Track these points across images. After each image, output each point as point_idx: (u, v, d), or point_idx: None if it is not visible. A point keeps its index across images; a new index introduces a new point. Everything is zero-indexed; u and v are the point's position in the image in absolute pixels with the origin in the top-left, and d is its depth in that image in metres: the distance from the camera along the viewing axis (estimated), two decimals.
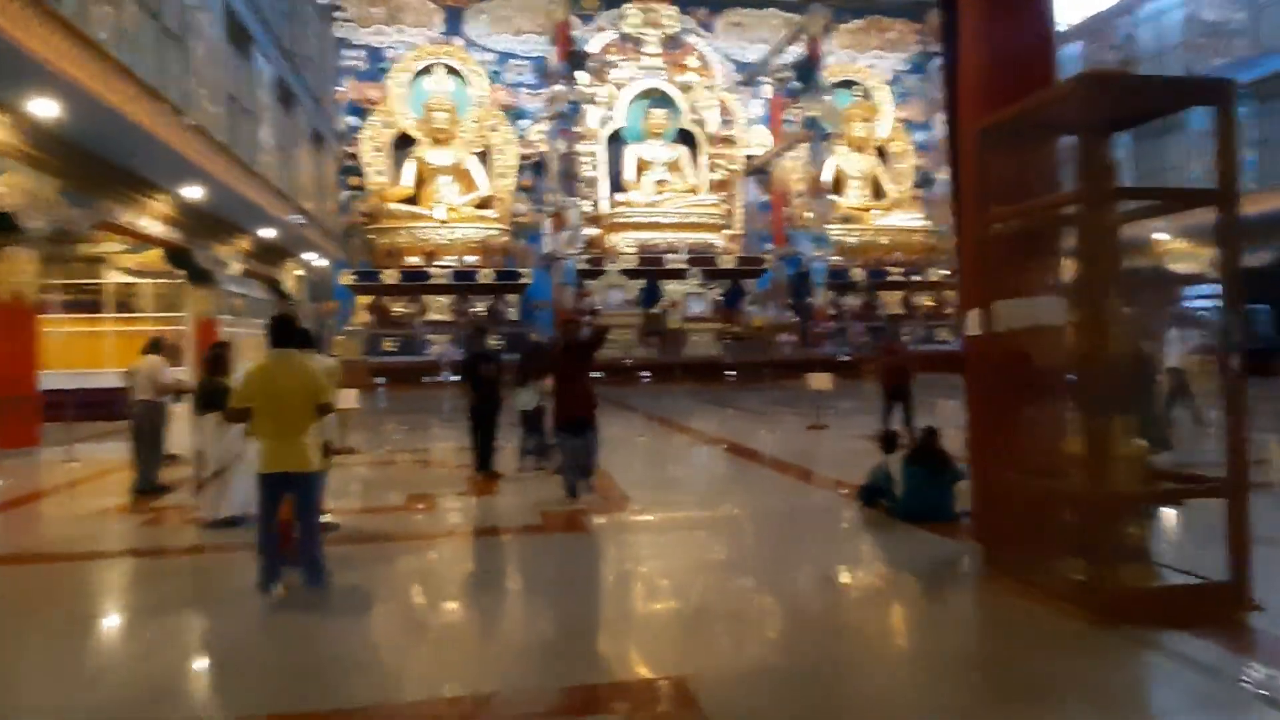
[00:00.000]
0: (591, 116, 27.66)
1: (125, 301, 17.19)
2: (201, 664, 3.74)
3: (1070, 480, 3.97)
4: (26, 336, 10.96)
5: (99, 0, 10.01)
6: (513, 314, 25.05)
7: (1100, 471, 3.69)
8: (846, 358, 23.96)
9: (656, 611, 4.35)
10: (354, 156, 26.86)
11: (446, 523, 6.56)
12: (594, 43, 27.80)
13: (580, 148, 27.26)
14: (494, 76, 27.86)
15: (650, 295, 25.58)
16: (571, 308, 24.20)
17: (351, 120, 27.01)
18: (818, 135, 26.17)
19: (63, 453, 9.90)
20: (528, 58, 28.30)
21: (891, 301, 27.80)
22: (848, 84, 29.93)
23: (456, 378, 18.72)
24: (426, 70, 27.15)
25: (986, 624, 4.11)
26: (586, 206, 27.18)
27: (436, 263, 24.67)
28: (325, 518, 5.60)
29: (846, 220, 28.38)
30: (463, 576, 5.16)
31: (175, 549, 5.74)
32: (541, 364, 8.14)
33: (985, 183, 4.37)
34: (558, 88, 24.81)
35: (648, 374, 22.04)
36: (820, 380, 11.89)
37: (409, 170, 26.51)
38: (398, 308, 24.31)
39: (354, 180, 26.93)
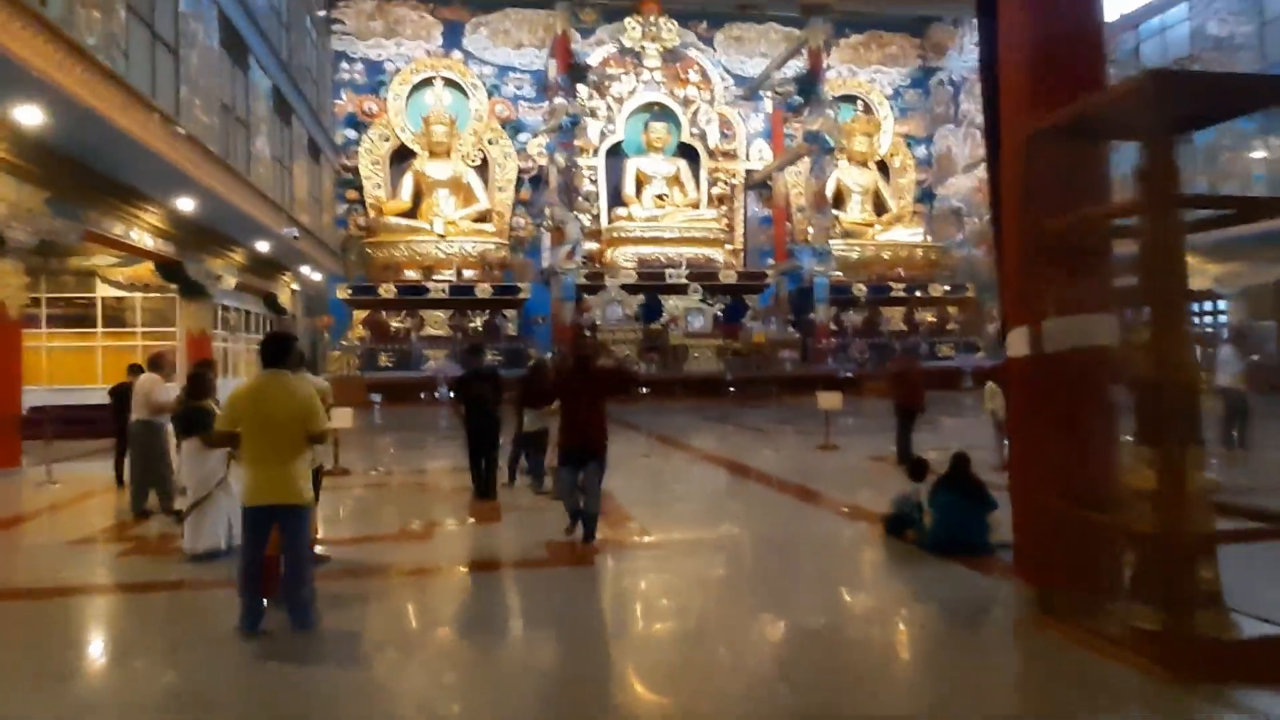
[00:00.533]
0: (591, 130, 27.43)
1: (116, 315, 16.82)
2: None
3: (1136, 516, 3.59)
4: (9, 351, 10.58)
5: (88, 5, 9.68)
6: (511, 329, 24.69)
7: (1176, 508, 3.33)
8: (849, 374, 23.61)
9: (670, 661, 3.96)
10: (352, 169, 26.58)
11: (445, 554, 6.14)
12: (593, 56, 27.61)
13: (580, 161, 27.00)
14: (493, 90, 27.64)
15: (650, 311, 25.23)
16: (571, 323, 23.86)
17: (349, 133, 26.75)
18: (820, 149, 25.92)
19: (44, 473, 9.48)
20: (527, 71, 28.10)
21: (894, 317, 27.48)
22: (848, 98, 29.75)
23: (452, 394, 18.37)
24: (425, 83, 26.91)
25: (1041, 677, 3.71)
26: (586, 220, 26.90)
27: (434, 277, 24.32)
28: (316, 549, 5.21)
29: (848, 235, 28.11)
30: (463, 617, 4.76)
31: (152, 584, 5.32)
32: (545, 385, 7.64)
33: (1034, 190, 4.02)
34: (557, 101, 24.55)
35: (648, 389, 21.66)
36: (830, 399, 11.52)
37: (407, 184, 26.22)
38: (394, 322, 23.92)
39: (351, 193, 26.64)
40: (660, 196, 27.67)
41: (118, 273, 16.03)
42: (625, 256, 26.21)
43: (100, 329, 16.44)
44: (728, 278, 26.30)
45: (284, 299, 21.78)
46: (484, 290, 24.11)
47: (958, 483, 5.64)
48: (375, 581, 5.25)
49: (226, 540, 5.61)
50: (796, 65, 27.05)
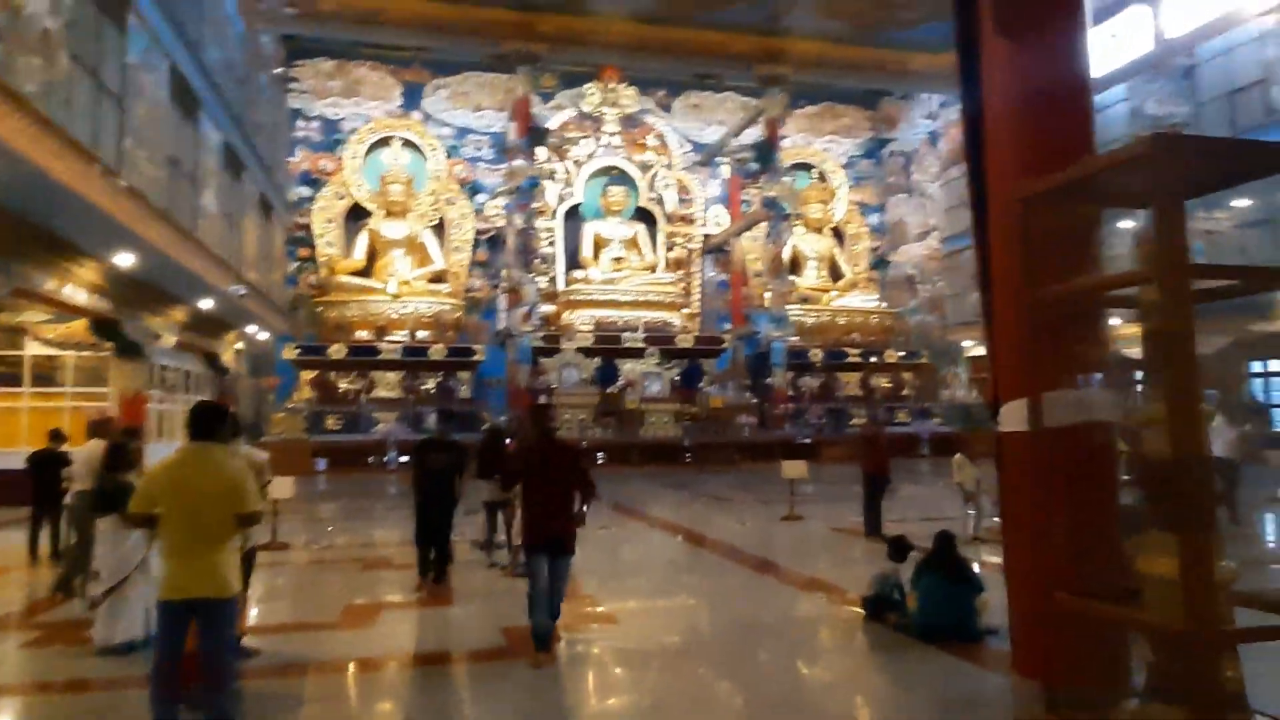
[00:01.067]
0: (549, 192, 27.43)
1: (45, 374, 15.92)
2: None
3: (1156, 609, 3.30)
4: None
5: (27, 52, 9.26)
6: (465, 391, 24.11)
7: (1203, 601, 3.04)
8: (807, 440, 23.47)
9: None
10: (304, 227, 26.08)
11: (392, 644, 5.56)
12: (553, 120, 27.77)
13: (538, 223, 26.91)
14: (452, 151, 27.56)
15: (607, 374, 24.91)
16: (527, 386, 23.40)
17: (303, 190, 26.31)
18: (777, 215, 26.22)
19: None
20: (486, 133, 28.12)
21: (850, 382, 27.56)
22: (804, 166, 30.33)
23: (404, 458, 17.65)
24: (383, 142, 26.72)
25: None
26: (543, 283, 26.69)
27: (387, 338, 23.75)
28: (243, 640, 4.67)
29: (805, 301, 28.33)
30: None
31: (56, 682, 4.71)
32: (501, 455, 7.14)
33: (1030, 256, 3.82)
34: (517, 163, 24.52)
35: (603, 455, 21.19)
36: (794, 468, 11.24)
37: (361, 242, 25.78)
38: (344, 384, 23.19)
39: (303, 251, 26.08)
40: (618, 260, 27.64)
41: (49, 330, 15.21)
42: (582, 319, 25.98)
43: (27, 388, 15.54)
44: (685, 342, 26.19)
45: (227, 359, 20.98)
46: (438, 352, 23.58)
47: (942, 563, 5.34)
48: (310, 679, 4.70)
49: (145, 630, 5.03)
50: (754, 133, 27.52)
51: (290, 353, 23.08)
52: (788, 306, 26.78)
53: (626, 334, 25.51)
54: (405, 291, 24.64)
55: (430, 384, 23.75)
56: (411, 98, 27.65)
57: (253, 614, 6.07)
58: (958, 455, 9.01)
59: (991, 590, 5.13)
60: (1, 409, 15.36)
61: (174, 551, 3.56)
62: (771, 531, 10.41)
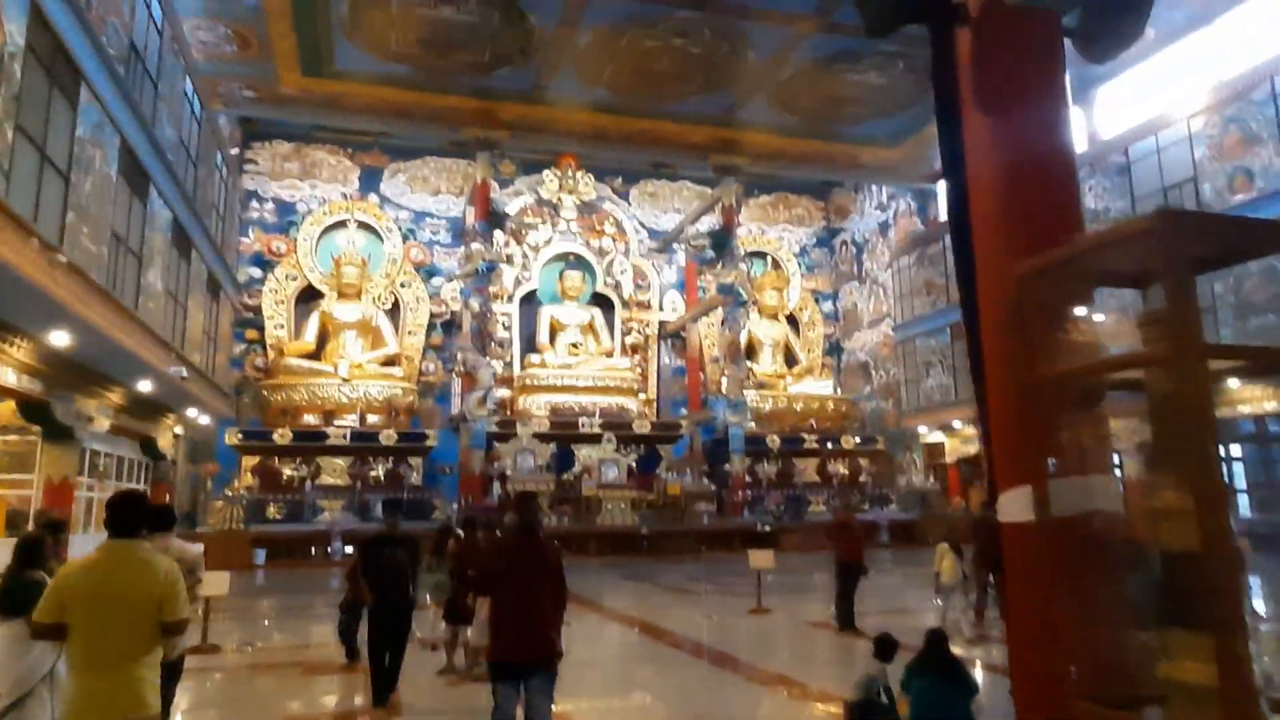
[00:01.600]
0: (506, 277, 27.36)
1: None
2: None
3: (1184, 718, 3.01)
4: None
5: None
6: (416, 478, 23.32)
7: (1243, 710, 2.77)
8: (767, 528, 23.05)
9: None
10: (254, 309, 25.48)
11: None
12: (511, 206, 27.93)
13: (494, 307, 26.72)
14: (408, 234, 27.45)
15: (563, 461, 24.38)
16: (481, 473, 22.73)
17: (254, 271, 25.82)
18: (734, 301, 26.43)
19: None
20: (444, 217, 28.12)
21: (808, 469, 27.40)
22: (758, 254, 30.85)
23: (349, 549, 16.78)
24: (338, 225, 26.50)
25: None
26: (499, 367, 26.32)
27: (335, 422, 22.98)
28: None
29: (761, 387, 28.35)
30: None
31: None
32: (483, 559, 5.89)
33: (1029, 336, 3.65)
34: (474, 246, 24.45)
35: (559, 544, 20.47)
36: (761, 558, 10.85)
37: (312, 324, 25.23)
38: (288, 470, 22.25)
39: (251, 333, 25.42)
40: (574, 345, 27.48)
41: None
42: (538, 405, 25.59)
43: None
44: (641, 428, 25.88)
45: (164, 444, 20.02)
46: (389, 437, 22.86)
47: (935, 664, 4.99)
48: None
49: None
50: (710, 220, 27.98)
51: (232, 438, 22.17)
52: (745, 392, 26.75)
53: (583, 420, 25.14)
54: (356, 375, 24.03)
55: (379, 470, 22.95)
56: (369, 181, 27.64)
57: None
58: (941, 544, 8.74)
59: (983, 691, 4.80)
60: None
61: (84, 666, 3.08)
62: (739, 626, 9.95)
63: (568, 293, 28.00)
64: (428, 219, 28.02)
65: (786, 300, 30.65)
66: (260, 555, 18.13)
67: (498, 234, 25.89)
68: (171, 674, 4.29)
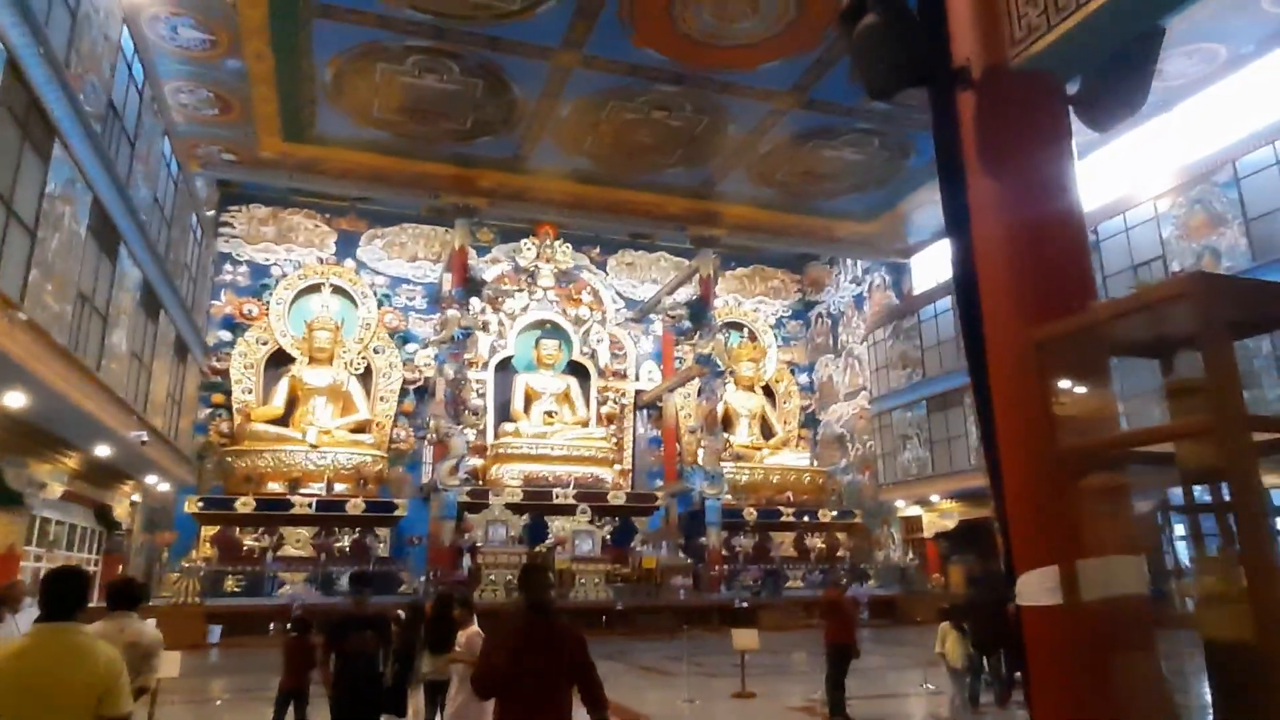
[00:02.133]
0: (481, 344, 27.09)
1: None
2: None
3: None
4: None
5: None
6: (383, 549, 22.55)
7: None
8: (745, 604, 22.46)
9: None
10: (221, 372, 24.91)
11: None
12: (489, 273, 27.85)
13: (469, 374, 26.36)
14: (384, 299, 27.20)
15: (535, 532, 23.74)
16: (451, 544, 22.03)
17: (223, 334, 25.33)
18: (711, 372, 26.31)
19: None
20: (420, 283, 27.96)
21: (785, 542, 26.95)
22: (735, 325, 30.93)
23: (295, 625, 15.98)
24: (312, 289, 26.20)
25: None
26: (472, 435, 25.82)
27: (301, 490, 22.26)
28: None
29: (738, 458, 28.07)
30: None
31: None
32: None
33: (1049, 406, 3.45)
34: (450, 312, 24.22)
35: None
36: (745, 638, 10.41)
37: (281, 389, 24.68)
38: (249, 540, 21.41)
39: (217, 397, 24.78)
40: (549, 413, 27.11)
41: None
42: (511, 474, 25.05)
43: None
44: (616, 499, 25.39)
45: (120, 512, 19.19)
46: (356, 506, 22.17)
47: None
48: None
49: None
50: (687, 291, 28.06)
51: (192, 506, 21.36)
52: (721, 463, 26.44)
53: (557, 490, 24.62)
54: (325, 441, 23.42)
55: (345, 541, 22.18)
56: (346, 246, 27.49)
57: None
58: (943, 623, 8.38)
59: None
60: None
61: None
62: (723, 710, 9.46)
63: (543, 361, 27.77)
64: (404, 285, 27.84)
65: (763, 372, 30.63)
66: (215, 632, 17.23)
67: (474, 300, 25.73)
68: None
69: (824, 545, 27.23)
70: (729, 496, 26.12)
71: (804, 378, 32.17)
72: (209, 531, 21.28)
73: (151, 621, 5.21)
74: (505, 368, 27.72)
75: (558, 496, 24.35)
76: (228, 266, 26.07)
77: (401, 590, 19.86)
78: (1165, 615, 3.59)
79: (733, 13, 16.34)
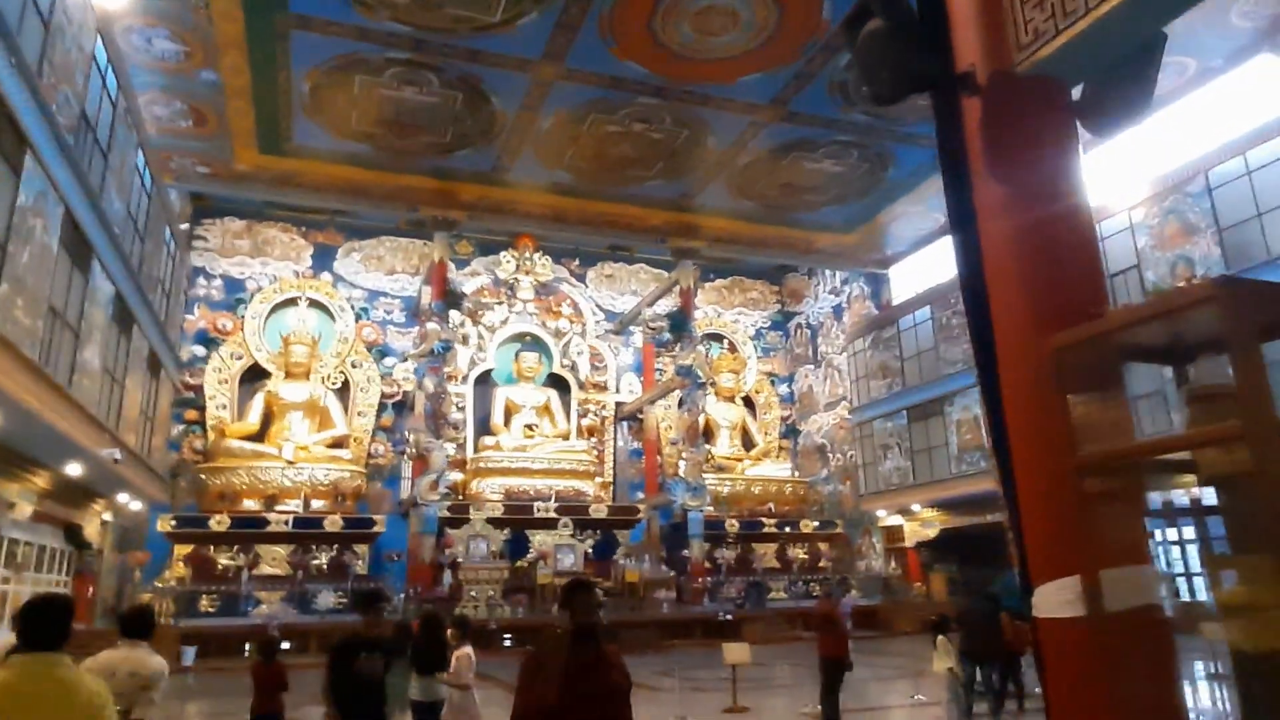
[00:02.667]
0: (461, 357, 26.83)
1: None
2: None
3: None
4: None
5: None
6: (361, 567, 22.18)
7: None
8: (728, 616, 22.33)
9: None
10: (195, 388, 24.44)
11: None
12: (468, 286, 27.65)
13: (448, 388, 26.09)
14: (361, 313, 26.87)
15: (517, 547, 23.49)
16: (430, 560, 21.72)
17: (197, 349, 24.85)
18: (692, 383, 26.24)
19: None
20: (398, 296, 27.69)
21: (767, 553, 26.87)
22: (715, 337, 30.92)
23: (286, 645, 15.61)
24: (289, 303, 25.82)
25: None
26: (452, 449, 25.52)
27: (277, 507, 21.85)
28: None
29: (719, 469, 27.99)
30: None
31: None
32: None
33: (1067, 413, 3.39)
34: (430, 325, 23.97)
35: (510, 638, 19.48)
36: (737, 652, 10.29)
37: (257, 404, 24.26)
38: (224, 559, 20.96)
39: (191, 414, 24.30)
40: (530, 426, 26.89)
41: None
42: (492, 488, 24.79)
43: None
44: (598, 512, 25.20)
45: (91, 531, 18.71)
46: (334, 523, 21.80)
47: None
48: None
49: None
50: (667, 303, 28.02)
51: (165, 524, 20.90)
52: (703, 475, 26.34)
53: (538, 504, 24.39)
54: (302, 457, 23.04)
55: (323, 559, 21.80)
56: (322, 259, 27.17)
57: None
58: (939, 638, 8.28)
59: None
60: None
61: None
62: None
63: (523, 374, 27.56)
64: (382, 298, 27.55)
65: (743, 383, 30.62)
66: (189, 654, 16.81)
67: (454, 314, 25.51)
68: None
69: (806, 556, 27.19)
70: (711, 508, 26.02)
71: (784, 388, 32.21)
72: (183, 551, 20.80)
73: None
74: (485, 381, 27.48)
75: (539, 510, 24.14)
76: (201, 280, 25.65)
77: (395, 626, 19.53)
78: (1183, 624, 3.54)
79: (713, 26, 16.37)
